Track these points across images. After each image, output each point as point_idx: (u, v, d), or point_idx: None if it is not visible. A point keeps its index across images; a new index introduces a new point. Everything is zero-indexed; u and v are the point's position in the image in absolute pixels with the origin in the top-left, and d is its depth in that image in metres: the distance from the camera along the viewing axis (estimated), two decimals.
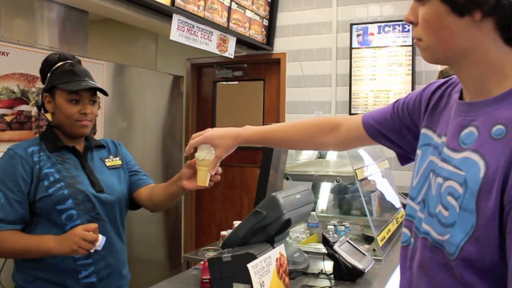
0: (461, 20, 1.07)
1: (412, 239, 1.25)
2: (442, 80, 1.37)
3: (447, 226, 1.08)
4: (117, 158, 2.45)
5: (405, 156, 1.59)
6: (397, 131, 1.54)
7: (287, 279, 2.02)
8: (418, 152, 1.32)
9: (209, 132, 1.91)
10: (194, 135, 1.94)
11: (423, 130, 1.32)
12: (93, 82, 2.28)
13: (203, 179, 1.98)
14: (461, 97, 1.21)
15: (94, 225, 2.02)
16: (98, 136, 3.90)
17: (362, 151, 3.55)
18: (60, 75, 2.23)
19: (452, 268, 1.06)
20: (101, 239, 2.01)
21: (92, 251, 2.01)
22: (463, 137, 1.11)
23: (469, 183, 1.04)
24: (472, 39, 1.08)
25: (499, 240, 0.97)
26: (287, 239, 2.66)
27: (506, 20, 1.04)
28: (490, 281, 1.00)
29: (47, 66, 2.28)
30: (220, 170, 2.04)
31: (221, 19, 4.73)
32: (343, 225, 3.40)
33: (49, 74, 2.25)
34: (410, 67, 5.10)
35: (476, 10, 1.04)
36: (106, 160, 2.40)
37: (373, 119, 1.63)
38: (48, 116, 2.28)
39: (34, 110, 3.33)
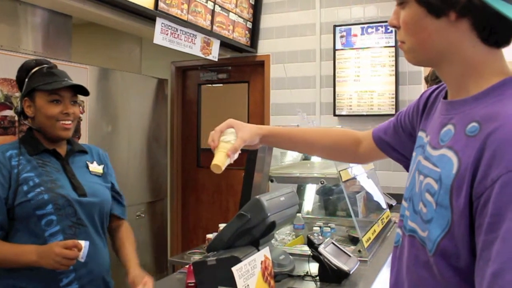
0: (438, 21, 1.11)
1: (401, 238, 1.28)
2: (436, 86, 1.41)
3: (426, 223, 1.11)
4: (100, 167, 2.43)
5: None
6: (400, 139, 1.58)
7: (272, 282, 2.02)
8: (413, 154, 1.35)
9: (231, 119, 1.80)
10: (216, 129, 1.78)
11: (419, 133, 1.36)
12: (73, 82, 2.28)
13: (221, 160, 1.68)
14: (446, 97, 1.24)
15: (73, 242, 2.00)
16: (83, 140, 3.89)
17: None
18: (39, 78, 2.22)
19: (432, 265, 1.08)
20: (84, 250, 1.99)
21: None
22: (442, 134, 1.15)
23: (443, 180, 1.07)
24: (450, 40, 1.11)
25: (469, 236, 1.00)
26: (273, 241, 2.67)
27: (481, 19, 1.07)
28: (466, 277, 1.02)
29: (24, 71, 2.27)
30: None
31: (204, 22, 4.73)
32: (329, 227, 3.41)
33: (26, 79, 2.23)
34: (394, 68, 5.13)
35: (451, 11, 1.07)
36: (90, 165, 2.38)
37: (380, 130, 1.68)
38: (28, 122, 2.28)
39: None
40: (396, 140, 1.60)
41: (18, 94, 3.31)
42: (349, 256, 2.56)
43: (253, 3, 5.65)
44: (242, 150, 1.75)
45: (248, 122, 5.91)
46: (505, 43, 1.11)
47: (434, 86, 1.41)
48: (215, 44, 5.02)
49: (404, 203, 1.31)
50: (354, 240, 3.18)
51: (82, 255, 1.99)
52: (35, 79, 2.22)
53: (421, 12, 1.12)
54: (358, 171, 3.56)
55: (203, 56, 4.86)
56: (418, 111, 1.44)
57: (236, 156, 1.73)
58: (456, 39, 1.11)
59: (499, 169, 0.94)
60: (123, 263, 2.35)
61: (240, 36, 5.49)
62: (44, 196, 2.11)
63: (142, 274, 2.27)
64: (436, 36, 1.13)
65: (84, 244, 2.01)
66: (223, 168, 1.67)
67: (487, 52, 1.11)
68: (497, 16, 1.03)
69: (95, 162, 2.42)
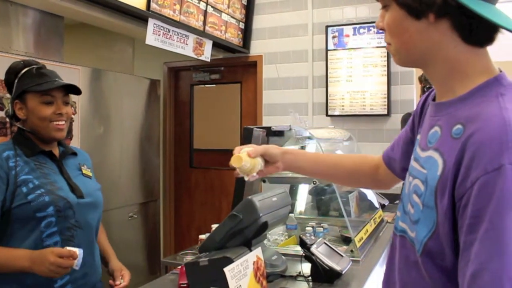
0: (419, 23, 1.12)
1: (392, 239, 1.30)
2: (432, 89, 1.41)
3: (414, 223, 1.13)
4: (89, 170, 2.42)
5: None
6: (407, 150, 1.54)
7: (264, 282, 2.02)
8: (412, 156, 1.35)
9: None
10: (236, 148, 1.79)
11: (417, 137, 1.36)
12: (64, 82, 2.25)
13: (243, 154, 1.70)
14: (435, 99, 1.25)
15: (68, 251, 1.97)
16: (75, 141, 3.88)
17: (338, 152, 3.55)
18: (29, 79, 2.18)
19: (420, 265, 1.09)
20: (79, 258, 1.97)
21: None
22: (430, 136, 1.17)
23: (429, 181, 1.08)
24: (431, 40, 1.13)
25: (453, 236, 1.01)
26: (265, 241, 2.67)
27: (460, 19, 1.08)
28: (451, 277, 1.03)
29: (12, 74, 2.23)
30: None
31: (197, 23, 4.73)
32: (322, 227, 3.41)
33: (16, 81, 2.20)
34: (386, 68, 5.15)
35: (429, 12, 1.09)
36: (82, 167, 2.37)
37: (387, 150, 1.68)
38: (20, 124, 2.24)
39: None
40: (403, 155, 1.57)
41: (9, 95, 3.31)
42: (342, 256, 2.56)
43: (245, 3, 5.66)
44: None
45: (241, 122, 5.96)
46: (488, 42, 1.12)
47: (431, 90, 1.42)
48: (208, 45, 5.02)
49: (399, 205, 1.32)
50: (347, 240, 3.17)
51: (76, 263, 1.96)
52: (25, 80, 2.18)
53: (402, 14, 1.14)
54: None
55: (195, 56, 4.85)
56: (417, 117, 1.45)
57: (258, 166, 1.74)
58: (438, 39, 1.12)
59: (478, 170, 0.95)
60: (101, 255, 2.44)
61: (233, 36, 5.49)
62: (45, 198, 2.07)
63: (120, 266, 2.43)
64: (418, 37, 1.14)
65: (78, 252, 1.99)
66: (242, 164, 1.67)
67: (469, 51, 1.12)
68: (476, 15, 1.03)
69: (85, 165, 2.41)
